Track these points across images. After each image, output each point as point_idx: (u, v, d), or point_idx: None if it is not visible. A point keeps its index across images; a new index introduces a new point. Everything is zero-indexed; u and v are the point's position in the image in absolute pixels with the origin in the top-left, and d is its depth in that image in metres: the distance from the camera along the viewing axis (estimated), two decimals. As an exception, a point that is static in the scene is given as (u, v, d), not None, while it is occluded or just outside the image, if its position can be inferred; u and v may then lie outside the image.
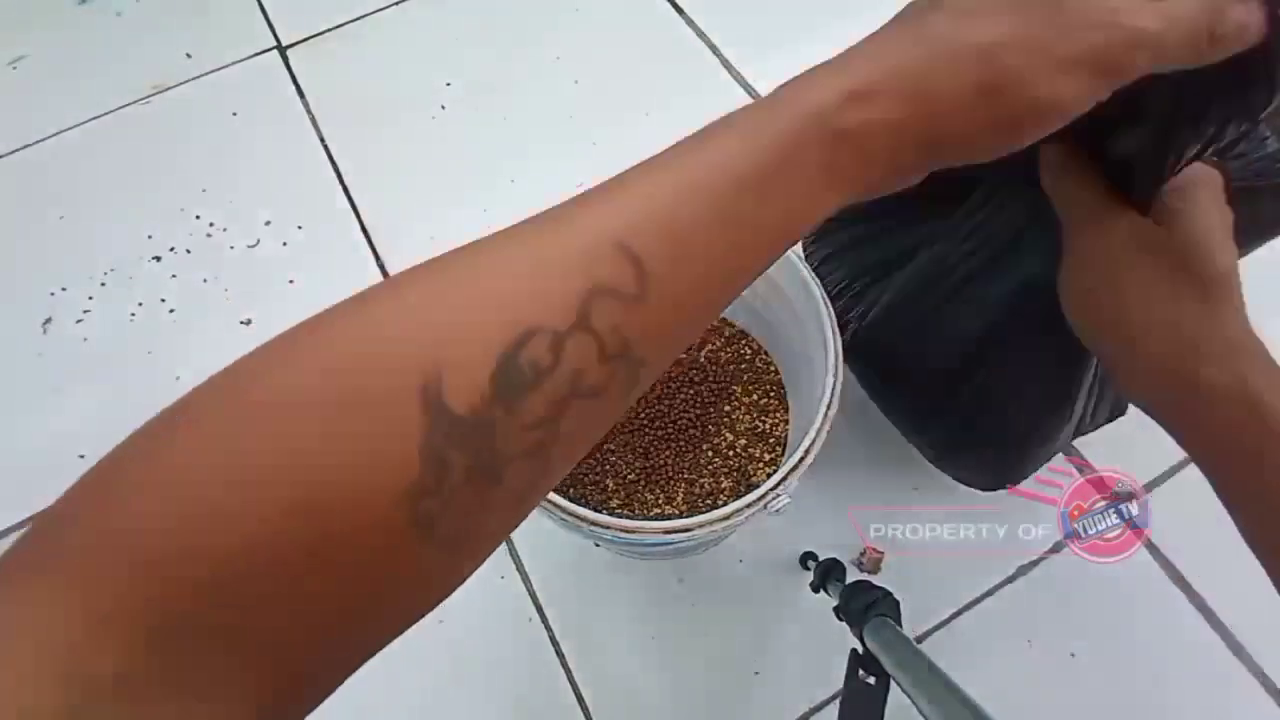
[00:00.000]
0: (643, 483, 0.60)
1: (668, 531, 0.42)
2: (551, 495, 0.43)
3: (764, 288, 0.57)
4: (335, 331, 0.18)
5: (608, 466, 0.60)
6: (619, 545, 0.55)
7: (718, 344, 0.65)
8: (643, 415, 0.62)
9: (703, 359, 0.64)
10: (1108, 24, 0.22)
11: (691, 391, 0.62)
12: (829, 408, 0.46)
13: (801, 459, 0.44)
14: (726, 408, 0.62)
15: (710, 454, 0.61)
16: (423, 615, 0.20)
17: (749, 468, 0.60)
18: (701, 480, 0.60)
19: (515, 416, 0.17)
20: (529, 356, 0.18)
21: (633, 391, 0.21)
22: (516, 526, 0.21)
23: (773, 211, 0.21)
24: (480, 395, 0.17)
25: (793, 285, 0.52)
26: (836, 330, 0.48)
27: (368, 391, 0.17)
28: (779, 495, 0.44)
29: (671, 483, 0.60)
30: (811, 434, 0.45)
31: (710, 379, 0.63)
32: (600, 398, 0.19)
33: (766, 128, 0.21)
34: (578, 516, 0.43)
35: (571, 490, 0.60)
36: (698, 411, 0.62)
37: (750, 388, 0.63)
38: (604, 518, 0.43)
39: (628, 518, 0.45)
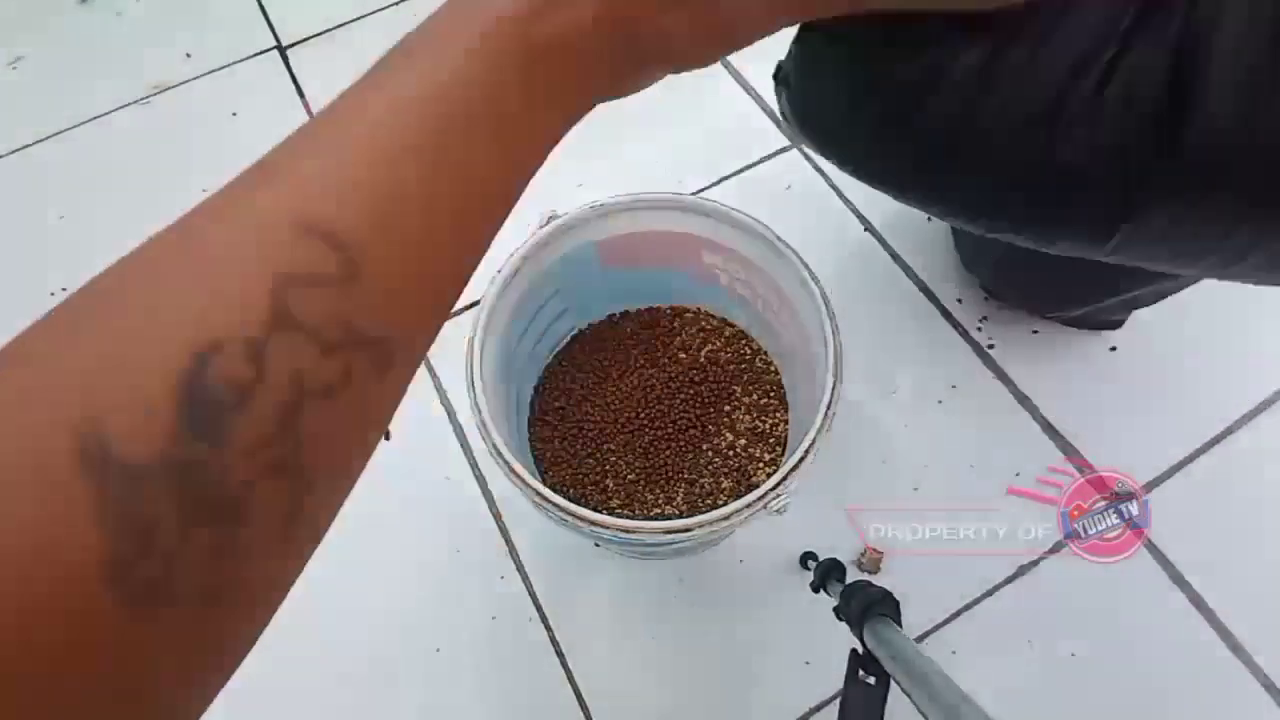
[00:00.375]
0: (643, 483, 0.60)
1: (668, 531, 0.42)
2: (551, 495, 0.43)
3: (763, 288, 0.57)
4: None
5: (608, 466, 0.60)
6: (619, 545, 0.55)
7: (718, 344, 0.65)
8: (643, 415, 0.62)
9: (703, 359, 0.64)
10: None
11: (691, 391, 0.62)
12: (829, 407, 0.46)
13: (801, 459, 0.45)
14: (726, 408, 0.62)
15: (710, 454, 0.61)
16: (225, 678, 0.17)
17: (749, 468, 0.60)
18: (701, 480, 0.60)
19: (228, 445, 0.15)
20: (221, 375, 0.15)
21: (395, 370, 0.18)
22: (316, 544, 0.18)
23: (485, 150, 0.19)
24: (167, 434, 0.14)
25: (793, 285, 0.52)
26: (837, 329, 0.48)
27: (17, 469, 0.13)
28: (779, 495, 0.44)
29: (671, 483, 0.60)
30: (811, 434, 0.45)
31: (710, 379, 0.63)
32: (346, 391, 0.17)
33: (448, 60, 0.19)
34: (578, 516, 0.43)
35: (571, 490, 0.60)
36: (698, 411, 0.62)
37: (750, 388, 0.63)
38: (604, 518, 0.43)
39: (628, 518, 0.45)
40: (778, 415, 0.62)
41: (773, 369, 0.64)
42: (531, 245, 0.51)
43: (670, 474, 0.60)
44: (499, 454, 0.45)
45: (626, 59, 0.21)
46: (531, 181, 0.21)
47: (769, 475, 0.45)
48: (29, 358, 0.15)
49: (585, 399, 0.63)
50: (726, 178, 0.80)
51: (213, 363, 0.15)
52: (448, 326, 0.82)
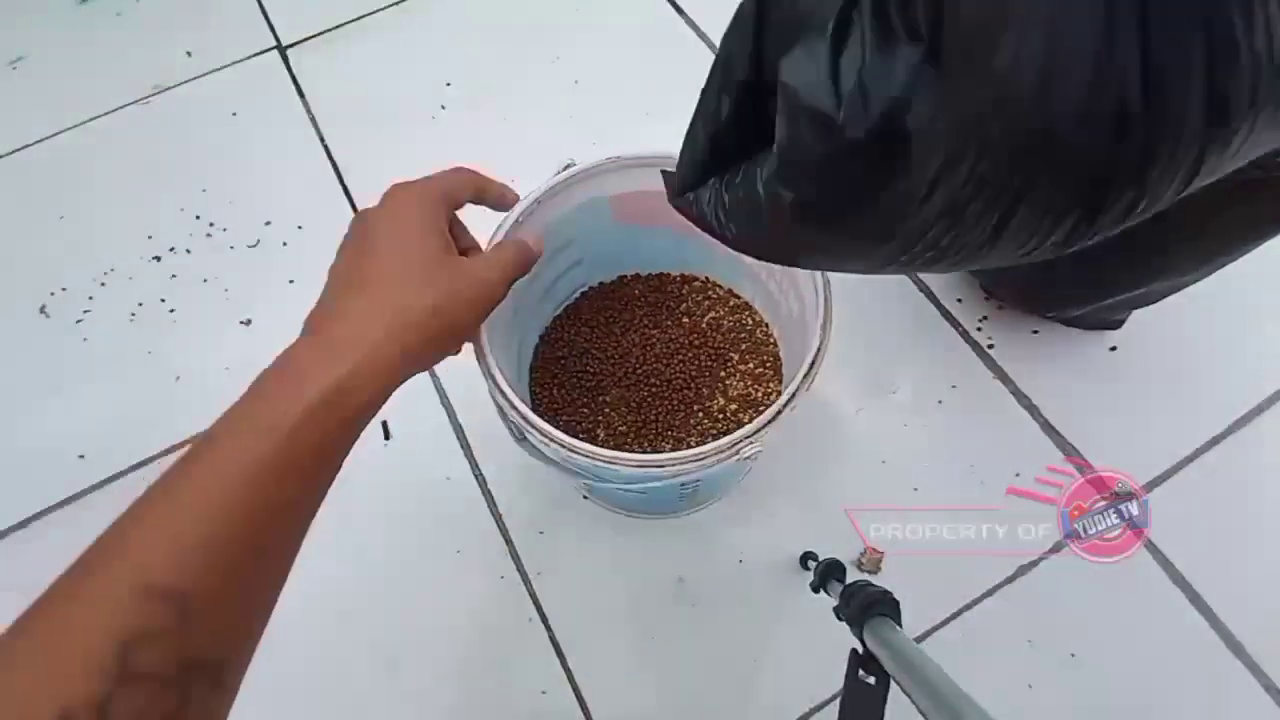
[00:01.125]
0: (632, 435, 0.60)
1: (641, 465, 0.43)
2: (534, 418, 0.44)
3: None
4: None
5: (601, 416, 0.61)
6: (600, 482, 0.55)
7: (721, 312, 0.65)
8: (640, 370, 0.62)
9: (704, 324, 0.64)
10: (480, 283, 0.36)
11: (690, 354, 0.63)
12: (814, 363, 0.45)
13: (780, 411, 0.44)
14: (722, 373, 0.62)
15: (700, 415, 0.61)
16: None
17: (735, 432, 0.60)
18: (689, 439, 0.60)
19: None
20: None
21: (230, 681, 0.22)
22: None
23: (296, 492, 0.25)
24: None
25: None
26: (828, 283, 0.48)
27: None
28: (752, 443, 0.44)
29: (659, 439, 0.60)
30: (793, 385, 0.44)
31: (709, 344, 0.63)
32: (185, 710, 0.20)
33: (254, 436, 0.25)
34: (559, 442, 0.43)
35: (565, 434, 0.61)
36: (694, 373, 0.62)
37: (748, 356, 0.63)
38: (583, 444, 0.43)
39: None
40: (771, 385, 0.62)
41: (772, 340, 0.64)
42: (545, 190, 0.52)
43: (659, 430, 0.60)
44: (491, 377, 0.45)
45: (394, 385, 0.31)
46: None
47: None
48: None
49: (587, 351, 0.63)
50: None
51: None
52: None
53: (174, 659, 0.20)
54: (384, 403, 0.30)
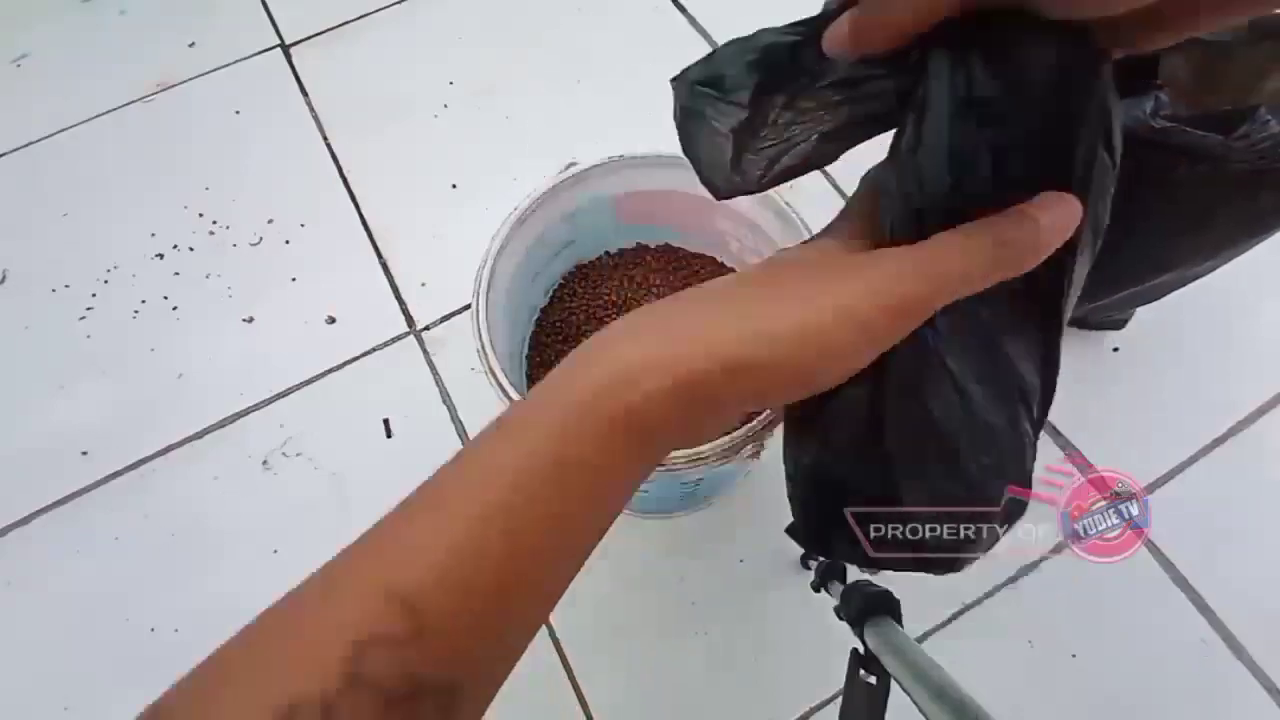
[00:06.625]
0: None
1: None
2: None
3: (769, 253, 0.57)
4: None
5: None
6: None
7: None
8: None
9: None
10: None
11: None
12: None
13: (774, 416, 0.45)
14: None
15: None
16: None
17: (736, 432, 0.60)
18: None
19: None
20: None
21: (462, 712, 0.20)
22: None
23: (565, 506, 0.21)
24: None
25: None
26: None
27: None
28: (752, 443, 0.44)
29: None
30: None
31: None
32: None
33: (531, 433, 0.21)
34: None
35: None
36: None
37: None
38: None
39: None
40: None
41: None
42: (547, 190, 0.52)
43: None
44: (492, 373, 0.45)
45: (701, 416, 0.22)
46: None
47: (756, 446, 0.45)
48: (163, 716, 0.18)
49: (580, 327, 0.64)
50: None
51: None
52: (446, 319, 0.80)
53: (402, 672, 0.18)
54: (689, 423, 0.22)
